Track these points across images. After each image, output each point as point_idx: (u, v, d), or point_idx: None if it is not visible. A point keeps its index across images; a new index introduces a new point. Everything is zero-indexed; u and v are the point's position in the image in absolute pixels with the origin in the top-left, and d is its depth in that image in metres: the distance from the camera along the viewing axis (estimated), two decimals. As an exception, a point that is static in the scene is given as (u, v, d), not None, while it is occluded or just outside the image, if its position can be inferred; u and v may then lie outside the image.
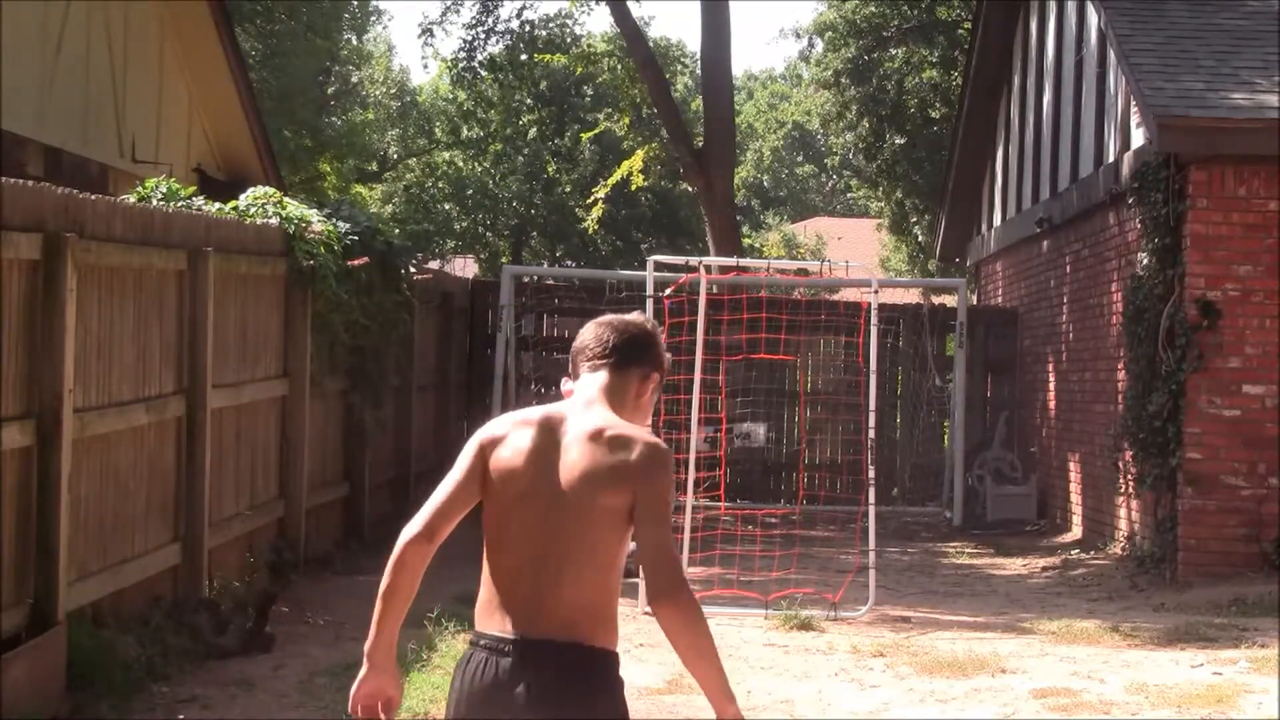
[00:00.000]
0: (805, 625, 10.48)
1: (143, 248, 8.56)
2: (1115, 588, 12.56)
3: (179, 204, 10.21)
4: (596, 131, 33.55)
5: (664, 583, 3.69)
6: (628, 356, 4.00)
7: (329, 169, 36.65)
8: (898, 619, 10.99)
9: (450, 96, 42.76)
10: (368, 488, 13.27)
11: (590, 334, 4.04)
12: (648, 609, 10.90)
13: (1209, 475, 12.34)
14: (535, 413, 3.90)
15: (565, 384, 4.06)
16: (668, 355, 4.11)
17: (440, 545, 3.85)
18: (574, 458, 3.77)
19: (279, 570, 10.86)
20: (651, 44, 28.86)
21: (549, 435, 3.82)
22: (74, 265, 7.45)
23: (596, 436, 3.79)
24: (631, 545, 3.80)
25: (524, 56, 26.14)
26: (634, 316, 4.12)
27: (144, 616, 8.57)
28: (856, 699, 8.46)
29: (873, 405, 11.54)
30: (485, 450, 3.87)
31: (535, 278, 20.49)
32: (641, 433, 3.85)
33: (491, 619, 3.77)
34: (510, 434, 3.86)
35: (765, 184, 64.53)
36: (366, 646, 3.86)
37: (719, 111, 20.35)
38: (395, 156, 46.68)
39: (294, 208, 11.42)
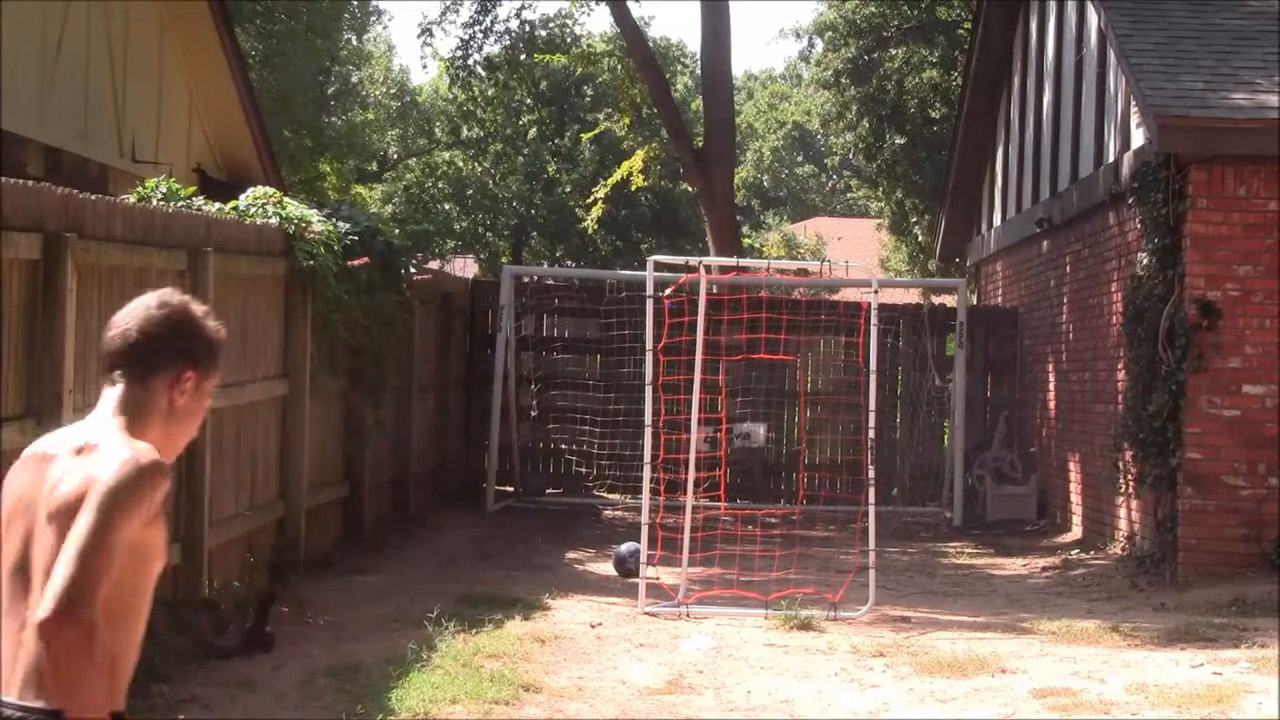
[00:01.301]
0: (805, 625, 10.47)
1: (143, 248, 8.55)
2: (1115, 588, 12.56)
3: (179, 204, 10.20)
4: (596, 131, 33.59)
5: (51, 602, 2.99)
6: (147, 364, 3.29)
7: (329, 169, 36.67)
8: (898, 619, 10.98)
9: (450, 96, 42.84)
10: (368, 488, 13.25)
11: (108, 333, 3.32)
12: (647, 609, 10.95)
13: (1209, 475, 12.34)
14: (43, 443, 3.32)
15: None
16: (212, 334, 3.41)
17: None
18: (51, 485, 3.19)
19: (279, 570, 10.86)
20: (651, 44, 28.86)
21: (41, 466, 3.24)
22: (74, 265, 7.45)
23: (74, 455, 3.20)
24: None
25: (523, 56, 26.15)
26: (160, 303, 3.34)
27: (144, 616, 8.56)
28: (856, 699, 8.45)
29: (873, 405, 11.53)
30: None
31: (535, 278, 20.48)
32: (119, 443, 3.17)
33: None
34: (14, 470, 3.30)
35: (765, 184, 64.57)
36: None
37: (719, 111, 20.36)
38: (395, 156, 46.71)
39: (294, 208, 11.43)
